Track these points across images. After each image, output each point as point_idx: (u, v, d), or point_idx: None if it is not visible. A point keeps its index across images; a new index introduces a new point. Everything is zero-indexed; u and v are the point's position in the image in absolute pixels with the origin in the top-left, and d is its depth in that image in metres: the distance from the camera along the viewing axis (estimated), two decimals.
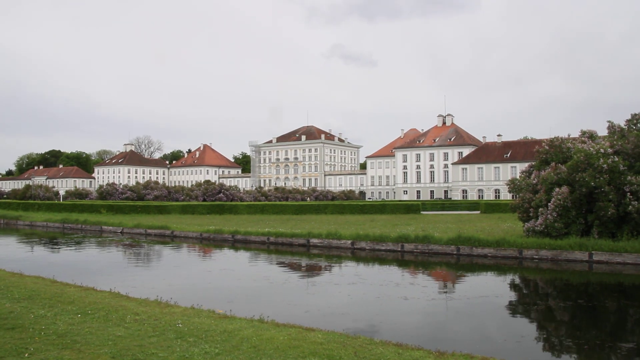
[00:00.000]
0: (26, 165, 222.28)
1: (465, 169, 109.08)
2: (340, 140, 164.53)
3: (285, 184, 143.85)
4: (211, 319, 11.20)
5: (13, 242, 45.02)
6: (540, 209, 27.90)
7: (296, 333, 10.06)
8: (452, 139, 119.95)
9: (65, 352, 7.99)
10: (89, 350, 8.13)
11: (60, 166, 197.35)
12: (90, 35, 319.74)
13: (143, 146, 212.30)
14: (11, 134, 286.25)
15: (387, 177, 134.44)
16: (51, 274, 18.55)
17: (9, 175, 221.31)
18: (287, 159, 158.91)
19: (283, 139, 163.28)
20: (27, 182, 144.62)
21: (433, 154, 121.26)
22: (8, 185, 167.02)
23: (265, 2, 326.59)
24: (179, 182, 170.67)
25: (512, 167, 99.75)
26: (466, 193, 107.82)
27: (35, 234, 52.15)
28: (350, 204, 69.83)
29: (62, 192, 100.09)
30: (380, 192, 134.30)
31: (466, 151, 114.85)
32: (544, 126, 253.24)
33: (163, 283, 22.68)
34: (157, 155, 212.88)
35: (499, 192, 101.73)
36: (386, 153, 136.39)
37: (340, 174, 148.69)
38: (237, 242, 38.73)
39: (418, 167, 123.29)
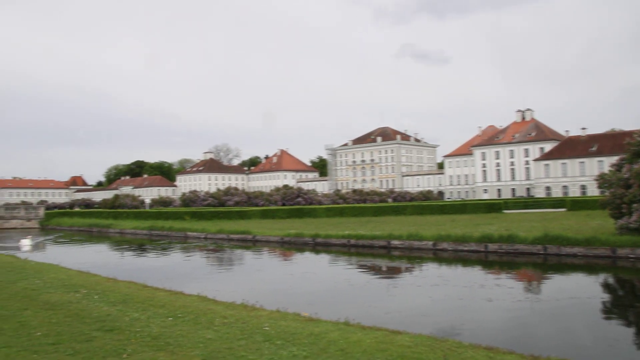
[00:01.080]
0: (114, 176, 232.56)
1: (548, 165, 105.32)
2: (416, 140, 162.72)
3: (362, 186, 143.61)
4: (297, 322, 11.26)
5: (106, 249, 47.14)
6: (635, 205, 26.41)
7: (383, 336, 9.95)
8: (533, 134, 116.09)
9: (160, 353, 8.23)
10: (181, 352, 8.33)
11: (145, 176, 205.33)
12: (168, 49, 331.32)
13: (222, 154, 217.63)
14: (101, 147, 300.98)
15: (466, 176, 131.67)
16: (142, 279, 19.24)
17: (99, 186, 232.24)
18: (363, 161, 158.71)
19: (359, 141, 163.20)
20: (116, 191, 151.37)
21: (513, 150, 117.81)
22: (99, 196, 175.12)
23: (331, 5, 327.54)
24: (257, 187, 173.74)
25: (599, 161, 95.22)
26: (550, 190, 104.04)
27: (125, 241, 54.35)
28: (430, 204, 68.87)
29: (147, 201, 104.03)
30: (459, 192, 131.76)
31: (548, 146, 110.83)
32: (629, 117, 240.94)
33: (246, 287, 23.06)
34: (235, 162, 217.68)
35: (585, 188, 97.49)
36: (464, 151, 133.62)
37: (418, 175, 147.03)
38: (318, 246, 38.94)
39: (498, 164, 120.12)
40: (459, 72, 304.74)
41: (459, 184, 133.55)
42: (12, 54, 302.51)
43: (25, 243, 45.12)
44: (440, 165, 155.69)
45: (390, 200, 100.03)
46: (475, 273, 25.91)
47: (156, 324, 10.41)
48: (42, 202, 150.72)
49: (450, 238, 32.98)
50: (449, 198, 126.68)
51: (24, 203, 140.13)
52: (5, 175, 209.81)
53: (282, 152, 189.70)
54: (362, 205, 74.60)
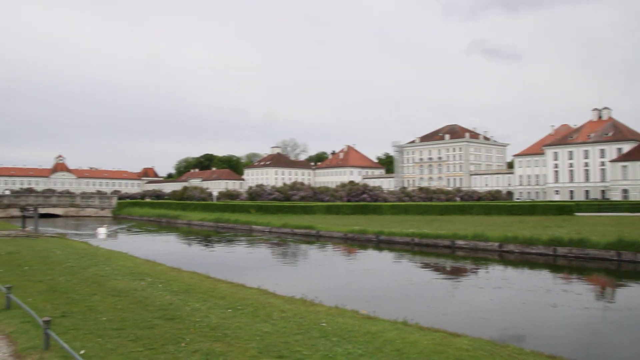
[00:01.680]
0: (184, 169, 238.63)
1: (626, 166, 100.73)
2: (485, 138, 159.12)
3: (429, 184, 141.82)
4: (355, 319, 11.22)
5: (173, 239, 48.45)
6: None
7: (440, 338, 9.77)
8: (610, 134, 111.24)
9: (217, 344, 8.36)
10: (237, 344, 8.43)
11: (214, 169, 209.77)
12: (238, 46, 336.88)
13: (289, 148, 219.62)
14: (172, 140, 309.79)
15: (537, 176, 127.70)
16: (205, 270, 19.64)
17: (170, 177, 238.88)
18: (430, 158, 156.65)
19: (426, 138, 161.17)
20: (185, 184, 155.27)
21: (588, 151, 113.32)
22: (169, 187, 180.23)
23: (399, 1, 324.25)
24: (323, 182, 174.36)
25: None
26: (627, 193, 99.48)
27: (192, 232, 55.70)
28: (497, 204, 67.25)
29: (215, 193, 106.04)
30: (529, 192, 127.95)
31: (626, 147, 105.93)
32: None
33: (307, 281, 23.19)
34: (302, 157, 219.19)
35: None
36: (535, 151, 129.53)
37: (486, 174, 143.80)
38: (381, 243, 38.73)
39: (571, 165, 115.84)
40: (531, 69, 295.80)
41: (529, 184, 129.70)
42: (87, 54, 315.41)
43: (101, 231, 46.88)
44: (510, 165, 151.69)
45: (458, 199, 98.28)
46: (542, 277, 25.11)
47: (215, 314, 10.58)
48: (115, 192, 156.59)
49: (517, 240, 32.09)
50: (518, 198, 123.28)
51: (99, 193, 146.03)
52: (83, 166, 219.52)
53: (349, 148, 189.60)
54: (428, 203, 73.66)
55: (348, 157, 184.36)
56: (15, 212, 75.73)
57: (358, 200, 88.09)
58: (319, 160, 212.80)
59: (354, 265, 30.20)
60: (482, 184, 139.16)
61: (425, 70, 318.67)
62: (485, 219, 51.91)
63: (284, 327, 9.84)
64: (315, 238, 44.07)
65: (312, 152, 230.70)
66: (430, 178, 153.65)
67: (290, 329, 9.77)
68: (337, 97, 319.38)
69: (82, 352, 7.35)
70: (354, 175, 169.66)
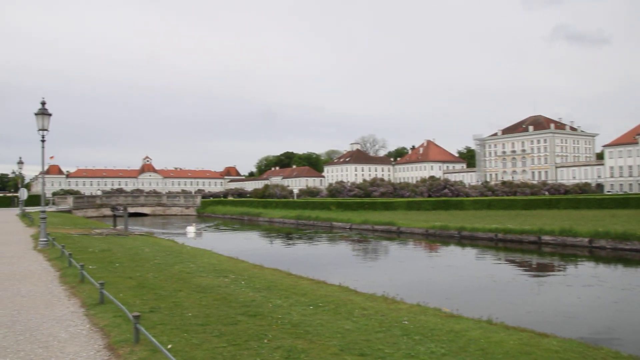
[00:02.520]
0: (264, 167, 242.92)
1: None
2: (571, 129, 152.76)
3: (512, 177, 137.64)
4: (437, 317, 11.01)
5: (255, 236, 49.37)
6: None
7: (527, 338, 9.41)
8: None
9: (299, 341, 8.40)
10: (319, 341, 8.45)
11: (294, 166, 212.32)
12: (315, 43, 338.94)
13: (368, 145, 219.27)
14: (253, 140, 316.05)
15: (630, 167, 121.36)
16: (287, 267, 19.87)
17: (251, 176, 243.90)
18: (513, 151, 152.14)
19: (509, 130, 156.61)
20: (266, 182, 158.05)
21: None
22: (250, 185, 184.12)
23: None
24: (403, 178, 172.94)
25: None
26: None
27: (273, 229, 56.54)
28: (586, 197, 64.35)
29: (295, 191, 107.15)
30: (621, 185, 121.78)
31: None
32: None
33: (387, 278, 23.01)
34: (381, 153, 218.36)
35: None
36: (628, 140, 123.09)
37: (574, 166, 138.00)
38: (464, 239, 37.96)
39: None
40: (620, 53, 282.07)
41: (621, 176, 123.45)
42: (170, 57, 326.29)
43: (190, 230, 48.21)
44: (600, 156, 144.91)
45: (546, 193, 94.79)
46: (637, 275, 23.83)
47: (297, 311, 10.66)
48: (199, 191, 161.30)
49: (610, 235, 30.60)
50: (609, 191, 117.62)
51: (183, 192, 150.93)
52: (168, 166, 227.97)
53: (429, 142, 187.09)
54: (512, 197, 71.47)
55: (428, 152, 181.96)
56: (107, 211, 79.52)
57: (439, 195, 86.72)
58: (398, 156, 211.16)
59: (435, 261, 29.76)
60: (569, 177, 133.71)
61: (506, 60, 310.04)
62: (574, 213, 49.85)
63: (365, 325, 9.78)
64: (396, 234, 43.74)
65: (392, 147, 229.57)
66: (514, 171, 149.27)
67: (372, 326, 9.69)
68: (415, 92, 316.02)
69: (169, 346, 7.58)
70: (435, 170, 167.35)
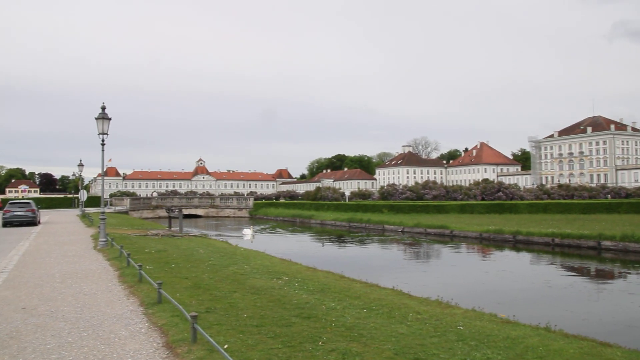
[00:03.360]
0: (316, 169, 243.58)
1: None
2: (634, 129, 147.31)
3: (569, 180, 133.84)
4: (493, 323, 10.82)
5: (307, 238, 49.59)
6: None
7: (589, 347, 9.13)
8: None
9: (353, 344, 8.39)
10: (373, 345, 8.42)
11: (345, 169, 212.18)
12: (362, 46, 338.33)
13: (420, 147, 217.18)
14: (304, 142, 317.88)
15: None
16: (339, 269, 19.88)
17: (303, 178, 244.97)
18: (571, 153, 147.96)
19: (566, 132, 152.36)
20: (317, 184, 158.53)
21: None
22: (302, 188, 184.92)
23: None
24: (456, 181, 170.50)
25: None
26: None
27: (325, 231, 56.67)
28: None
29: (347, 193, 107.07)
30: None
31: None
32: None
33: (440, 282, 22.78)
34: (434, 155, 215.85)
35: None
36: None
37: (636, 168, 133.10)
38: (519, 243, 37.18)
39: None
40: None
41: None
42: (223, 60, 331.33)
43: (247, 232, 48.60)
44: None
45: (609, 196, 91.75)
46: None
47: (351, 314, 10.65)
48: (251, 193, 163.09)
49: None
50: None
51: (236, 194, 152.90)
52: (221, 169, 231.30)
53: (482, 144, 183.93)
54: (569, 201, 69.53)
55: (481, 154, 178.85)
56: (162, 212, 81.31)
57: (493, 198, 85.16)
58: (451, 158, 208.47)
59: (489, 266, 29.25)
60: (630, 180, 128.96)
61: (563, 59, 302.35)
62: (636, 217, 48.10)
63: (420, 329, 9.69)
64: (449, 238, 43.21)
65: (444, 149, 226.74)
66: (571, 174, 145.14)
67: (426, 331, 9.60)
68: (468, 93, 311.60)
69: (225, 346, 7.69)
70: (488, 173, 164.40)
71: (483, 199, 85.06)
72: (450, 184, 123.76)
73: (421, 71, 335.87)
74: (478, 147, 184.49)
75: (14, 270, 15.98)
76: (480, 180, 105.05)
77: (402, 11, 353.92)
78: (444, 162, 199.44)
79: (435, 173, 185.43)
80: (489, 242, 39.07)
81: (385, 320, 10.33)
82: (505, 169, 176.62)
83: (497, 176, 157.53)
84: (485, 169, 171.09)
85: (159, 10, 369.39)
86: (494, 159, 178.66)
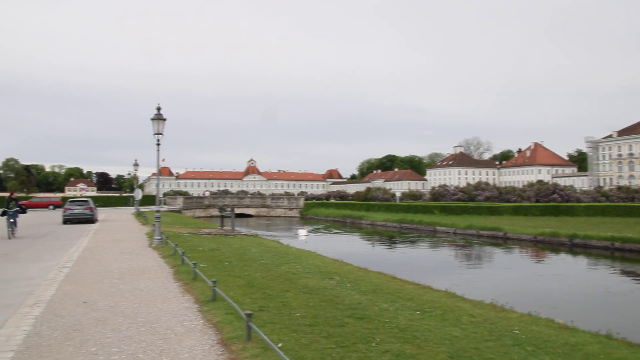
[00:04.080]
0: (366, 170, 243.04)
1: None
2: None
3: (629, 182, 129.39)
4: (550, 328, 10.55)
5: (357, 239, 49.51)
6: None
7: None
8: None
9: (407, 346, 8.32)
10: (427, 347, 8.33)
11: (396, 169, 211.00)
12: (412, 45, 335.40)
13: (472, 147, 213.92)
14: (354, 142, 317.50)
15: None
16: (391, 271, 19.77)
17: (353, 179, 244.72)
18: (631, 154, 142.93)
19: (626, 132, 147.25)
20: (368, 184, 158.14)
21: None
22: (352, 188, 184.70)
23: None
24: (509, 182, 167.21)
25: None
26: None
27: (376, 232, 56.43)
28: None
29: (398, 194, 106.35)
30: None
31: None
32: None
33: (492, 285, 22.38)
34: (486, 156, 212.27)
35: None
36: None
37: None
38: (575, 247, 36.17)
39: None
40: None
41: None
42: (274, 62, 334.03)
43: (302, 233, 48.41)
44: None
45: None
46: None
47: (404, 316, 10.57)
48: (301, 193, 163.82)
49: None
50: None
51: (286, 194, 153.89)
52: (272, 168, 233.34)
53: (536, 145, 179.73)
54: (630, 204, 67.14)
55: (535, 155, 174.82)
56: (214, 211, 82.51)
57: (547, 200, 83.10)
58: (503, 159, 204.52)
59: (544, 269, 28.55)
60: None
61: (619, 56, 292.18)
62: None
63: (474, 333, 9.54)
64: (502, 240, 42.41)
65: (497, 150, 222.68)
66: (631, 176, 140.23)
67: (481, 334, 9.44)
68: (522, 92, 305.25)
69: (279, 345, 7.74)
70: (542, 174, 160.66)
71: (537, 201, 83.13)
72: (503, 185, 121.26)
73: (472, 69, 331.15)
74: (532, 147, 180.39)
75: (75, 266, 16.51)
76: (534, 181, 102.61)
77: (452, 6, 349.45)
78: (497, 163, 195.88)
79: (487, 174, 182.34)
80: (544, 245, 38.14)
81: (439, 323, 10.21)
82: (560, 170, 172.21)
83: (552, 177, 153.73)
84: (539, 170, 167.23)
85: (208, 17, 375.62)
86: (549, 160, 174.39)
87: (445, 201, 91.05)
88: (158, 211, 24.36)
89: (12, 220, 26.43)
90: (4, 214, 26.56)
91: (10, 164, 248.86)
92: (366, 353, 7.75)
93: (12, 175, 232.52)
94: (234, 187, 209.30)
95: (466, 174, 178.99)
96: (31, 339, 8.40)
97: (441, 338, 8.97)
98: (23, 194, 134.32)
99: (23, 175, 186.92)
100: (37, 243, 24.21)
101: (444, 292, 14.72)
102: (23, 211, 29.38)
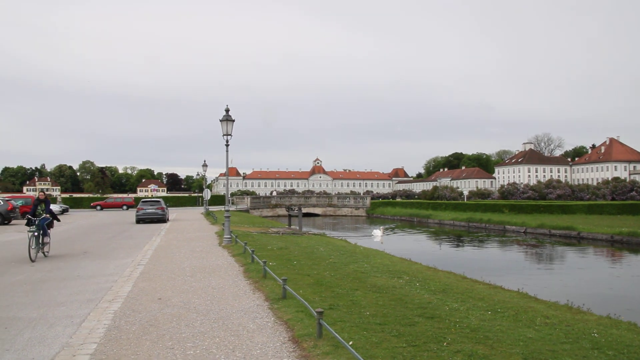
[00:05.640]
0: (433, 168, 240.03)
1: None
2: None
3: None
4: (632, 332, 10.11)
5: (424, 238, 48.95)
6: None
7: None
8: None
9: (479, 346, 8.16)
10: (500, 348, 8.15)
11: (463, 167, 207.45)
12: (478, 42, 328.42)
13: (542, 144, 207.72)
14: (420, 140, 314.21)
15: None
16: (460, 270, 19.46)
17: (419, 177, 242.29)
18: None
19: None
20: (434, 183, 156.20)
21: None
22: (418, 187, 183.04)
23: None
24: (582, 179, 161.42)
25: None
26: None
27: (443, 231, 55.64)
28: None
29: (465, 192, 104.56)
30: None
31: None
32: None
33: (566, 285, 21.69)
34: (557, 153, 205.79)
35: None
36: None
37: None
38: None
39: None
40: None
41: None
42: (333, 62, 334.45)
43: (377, 233, 47.76)
44: None
45: None
46: None
47: (475, 316, 10.38)
48: (367, 192, 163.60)
49: None
50: None
51: (352, 193, 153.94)
52: (337, 168, 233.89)
53: (612, 140, 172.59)
54: None
55: (611, 151, 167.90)
56: (281, 211, 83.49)
57: (625, 198, 79.82)
58: (576, 156, 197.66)
59: (622, 271, 27.43)
60: None
61: None
62: None
63: (549, 335, 9.26)
64: (576, 240, 41.01)
65: (569, 146, 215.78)
66: None
67: (557, 336, 9.15)
68: (595, 85, 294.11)
69: (350, 343, 7.74)
70: (619, 171, 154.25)
71: (613, 199, 79.99)
72: (576, 183, 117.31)
73: (539, 64, 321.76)
74: (607, 143, 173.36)
75: (149, 264, 17.06)
76: (609, 179, 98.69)
77: (519, 4, 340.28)
78: (569, 159, 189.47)
79: (559, 171, 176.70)
80: (621, 245, 36.64)
81: (512, 324, 9.96)
82: (638, 166, 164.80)
83: (630, 174, 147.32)
84: (615, 166, 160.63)
85: (277, 25, 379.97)
86: (626, 156, 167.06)
87: (514, 199, 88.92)
88: (228, 210, 24.83)
89: (38, 233, 18.28)
90: (28, 223, 18.34)
91: (86, 166, 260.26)
92: (438, 353, 7.65)
93: (88, 176, 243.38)
94: (299, 186, 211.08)
95: (536, 172, 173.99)
96: (111, 332, 8.76)
97: (515, 339, 8.75)
98: (98, 195, 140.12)
99: (98, 177, 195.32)
100: (107, 245, 25.17)
101: (515, 292, 14.37)
102: (54, 218, 19.53)
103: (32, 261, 17.42)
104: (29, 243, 17.81)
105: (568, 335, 9.33)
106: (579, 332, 9.61)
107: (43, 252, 18.90)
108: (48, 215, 18.91)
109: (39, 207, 18.80)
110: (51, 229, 19.66)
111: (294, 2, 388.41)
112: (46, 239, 19.02)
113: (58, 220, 19.92)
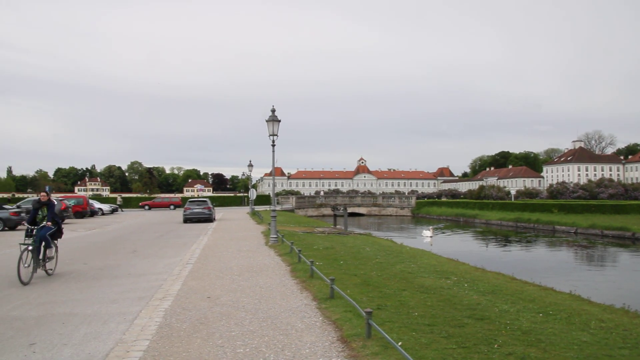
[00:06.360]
0: (479, 167, 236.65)
1: None
2: None
3: None
4: None
5: (471, 238, 48.31)
6: None
7: None
8: None
9: (531, 349, 7.99)
10: (553, 351, 7.96)
11: (510, 166, 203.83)
12: (524, 38, 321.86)
13: (593, 142, 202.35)
14: (465, 139, 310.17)
15: None
16: (509, 271, 19.12)
17: (464, 177, 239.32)
18: None
19: None
20: (480, 182, 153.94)
21: None
22: (464, 186, 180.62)
23: None
24: (636, 178, 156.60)
25: None
26: None
27: (490, 231, 54.80)
28: None
29: (512, 192, 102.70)
30: None
31: None
32: None
33: (620, 288, 21.12)
34: (609, 151, 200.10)
35: None
36: None
37: None
38: None
39: None
40: None
41: None
42: (376, 62, 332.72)
43: (427, 234, 47.11)
44: None
45: None
46: None
47: (526, 318, 10.17)
48: (412, 192, 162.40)
49: None
50: None
51: (397, 192, 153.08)
52: (382, 167, 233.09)
53: None
54: None
55: None
56: (326, 210, 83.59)
57: None
58: (629, 154, 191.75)
59: None
60: None
61: None
62: None
63: (605, 339, 8.98)
64: (630, 241, 39.82)
65: (621, 144, 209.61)
66: None
67: (613, 341, 8.87)
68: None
69: (399, 343, 7.69)
70: None
71: None
72: (629, 182, 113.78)
73: (588, 58, 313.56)
74: None
75: (197, 263, 17.31)
76: None
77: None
78: (621, 157, 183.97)
79: (610, 170, 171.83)
80: None
81: (565, 327, 9.72)
82: None
83: None
84: None
85: (322, 26, 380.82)
86: None
87: (564, 199, 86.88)
88: (274, 210, 24.98)
89: (35, 247, 13.62)
90: (28, 233, 13.94)
91: (134, 167, 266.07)
92: (489, 355, 7.53)
93: (136, 177, 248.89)
94: (344, 186, 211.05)
95: (587, 170, 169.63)
96: (163, 329, 8.93)
97: (568, 342, 8.53)
98: (146, 195, 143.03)
99: (146, 177, 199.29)
100: (156, 244, 25.62)
101: (567, 295, 14.02)
102: (57, 228, 14.48)
103: (24, 284, 12.77)
104: (19, 260, 12.90)
105: (626, 340, 9.04)
106: (637, 336, 9.30)
107: (45, 270, 14.27)
108: (50, 224, 14.15)
109: (39, 212, 14.31)
110: (57, 239, 14.90)
111: (346, 5, 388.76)
112: (50, 252, 14.32)
113: (61, 231, 14.78)
